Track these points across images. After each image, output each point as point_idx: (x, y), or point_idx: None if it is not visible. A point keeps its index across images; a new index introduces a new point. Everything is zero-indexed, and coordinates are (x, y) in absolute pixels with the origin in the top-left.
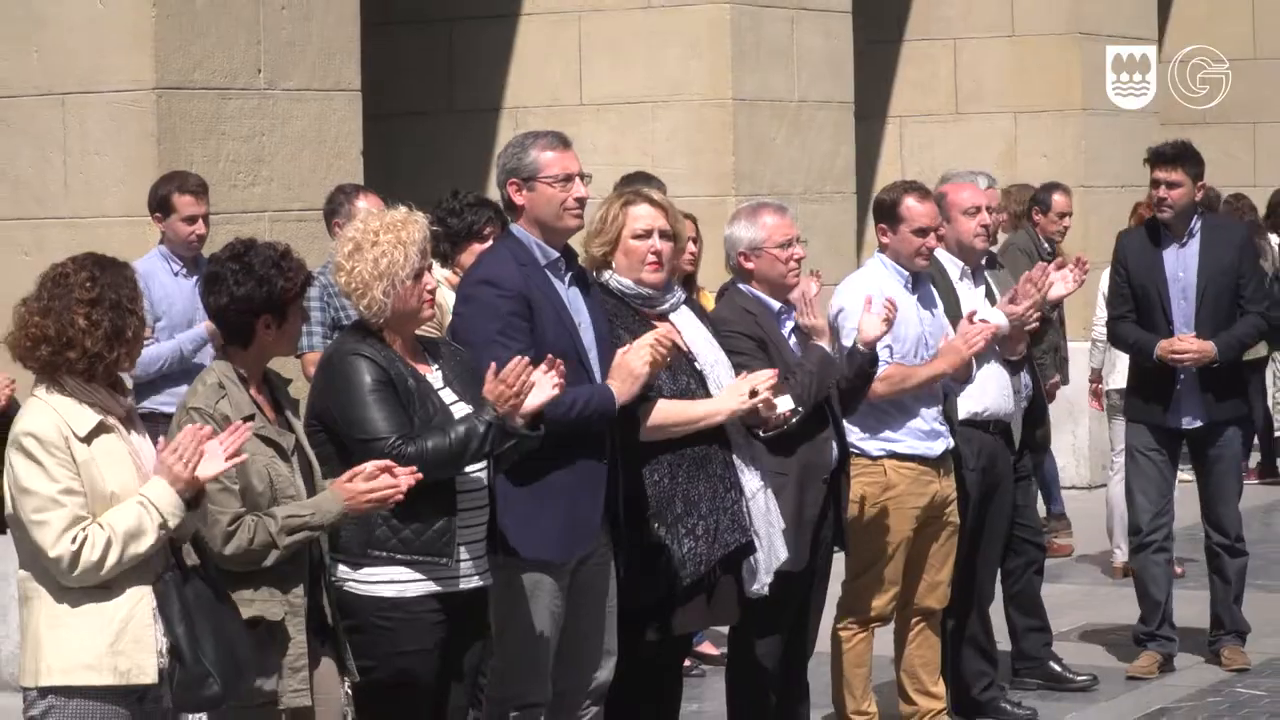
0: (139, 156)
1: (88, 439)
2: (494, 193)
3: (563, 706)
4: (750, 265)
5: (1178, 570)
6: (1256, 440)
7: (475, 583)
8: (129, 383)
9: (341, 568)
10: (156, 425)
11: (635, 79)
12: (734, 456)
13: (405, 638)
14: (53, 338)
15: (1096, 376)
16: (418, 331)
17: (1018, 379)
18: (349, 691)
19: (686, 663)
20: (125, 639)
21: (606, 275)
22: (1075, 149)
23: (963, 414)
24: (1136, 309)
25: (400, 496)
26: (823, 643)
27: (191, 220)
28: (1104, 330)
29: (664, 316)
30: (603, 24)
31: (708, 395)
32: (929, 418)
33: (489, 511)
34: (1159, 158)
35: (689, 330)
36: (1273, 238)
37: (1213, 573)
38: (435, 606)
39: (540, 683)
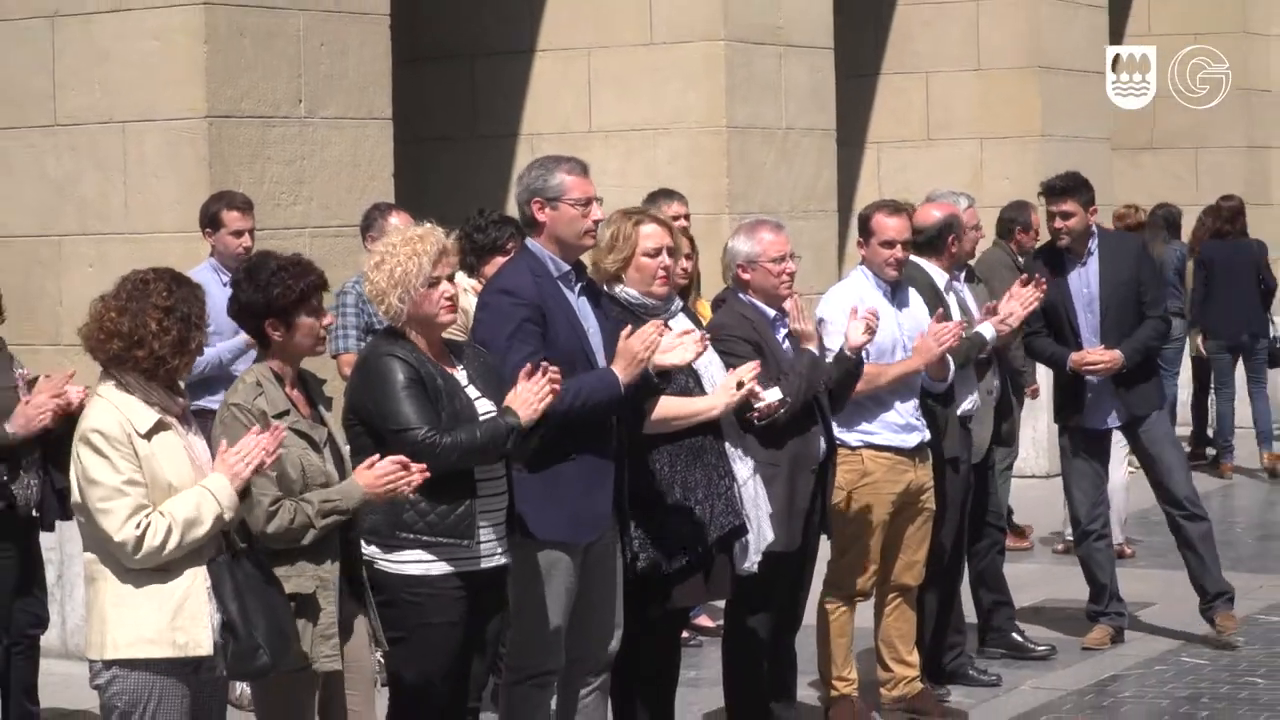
0: (192, 178)
1: (148, 435)
2: (513, 210)
3: (574, 674)
4: (747, 276)
5: (1128, 551)
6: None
7: (495, 561)
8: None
9: (373, 548)
10: (204, 421)
11: (639, 109)
12: (727, 447)
13: (432, 611)
14: (125, 334)
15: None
16: (444, 335)
17: (988, 379)
18: (381, 659)
19: (685, 634)
20: (183, 615)
21: (618, 289)
22: (1035, 171)
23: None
24: (1048, 324)
25: (409, 488)
26: (809, 616)
27: (239, 234)
28: None
29: (664, 324)
30: (609, 59)
31: (703, 393)
32: (905, 413)
33: (507, 497)
34: (1051, 192)
35: None
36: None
37: (1182, 547)
38: (458, 584)
39: (555, 653)
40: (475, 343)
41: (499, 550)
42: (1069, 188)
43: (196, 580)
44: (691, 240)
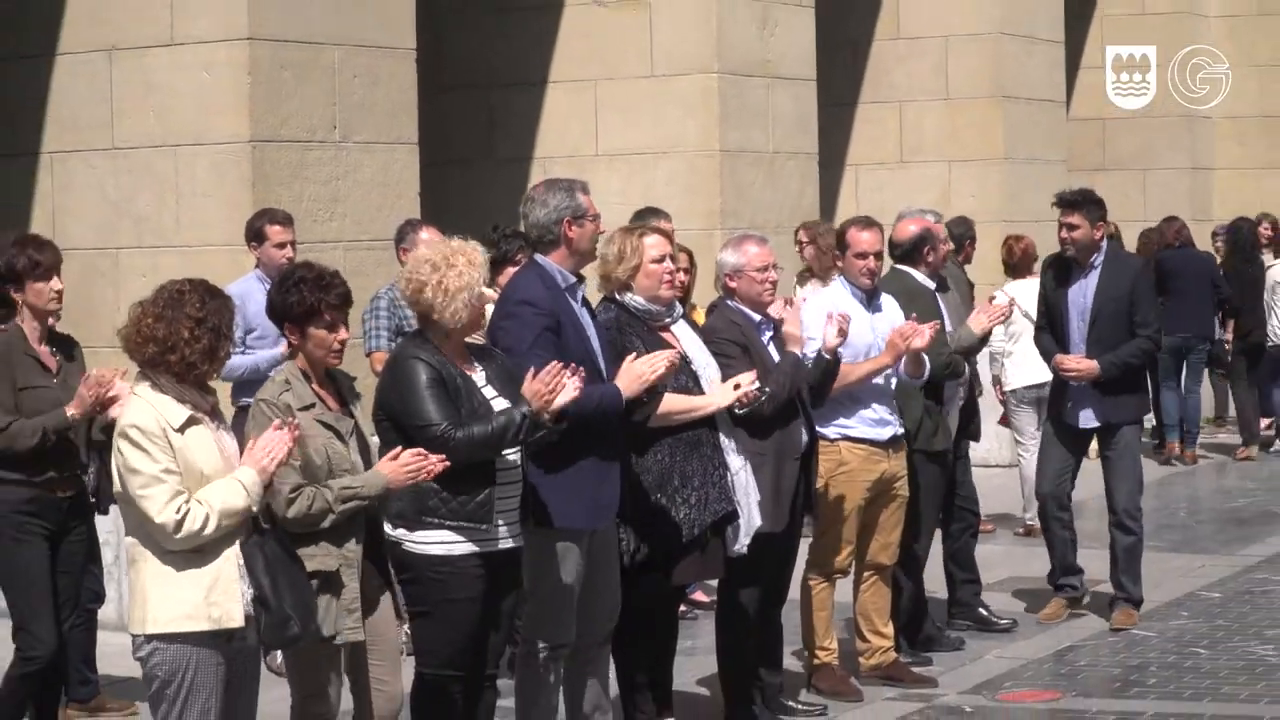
0: (237, 197)
1: (181, 429)
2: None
3: (581, 646)
4: (734, 285)
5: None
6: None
7: (510, 544)
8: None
9: (400, 530)
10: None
11: (641, 134)
12: (721, 439)
13: (454, 588)
14: (160, 339)
15: (995, 382)
16: (467, 339)
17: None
18: (407, 632)
19: (682, 608)
20: (217, 591)
21: (627, 296)
22: (999, 191)
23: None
24: (1050, 324)
25: (428, 476)
26: (794, 592)
27: (281, 246)
28: (1000, 346)
29: (666, 329)
30: (614, 90)
31: (701, 392)
32: (879, 409)
33: (521, 486)
34: (1062, 202)
35: (686, 340)
36: None
37: (1112, 547)
38: (477, 563)
39: (567, 628)
40: (498, 347)
41: (513, 534)
42: (1077, 202)
43: (229, 560)
44: (690, 255)
